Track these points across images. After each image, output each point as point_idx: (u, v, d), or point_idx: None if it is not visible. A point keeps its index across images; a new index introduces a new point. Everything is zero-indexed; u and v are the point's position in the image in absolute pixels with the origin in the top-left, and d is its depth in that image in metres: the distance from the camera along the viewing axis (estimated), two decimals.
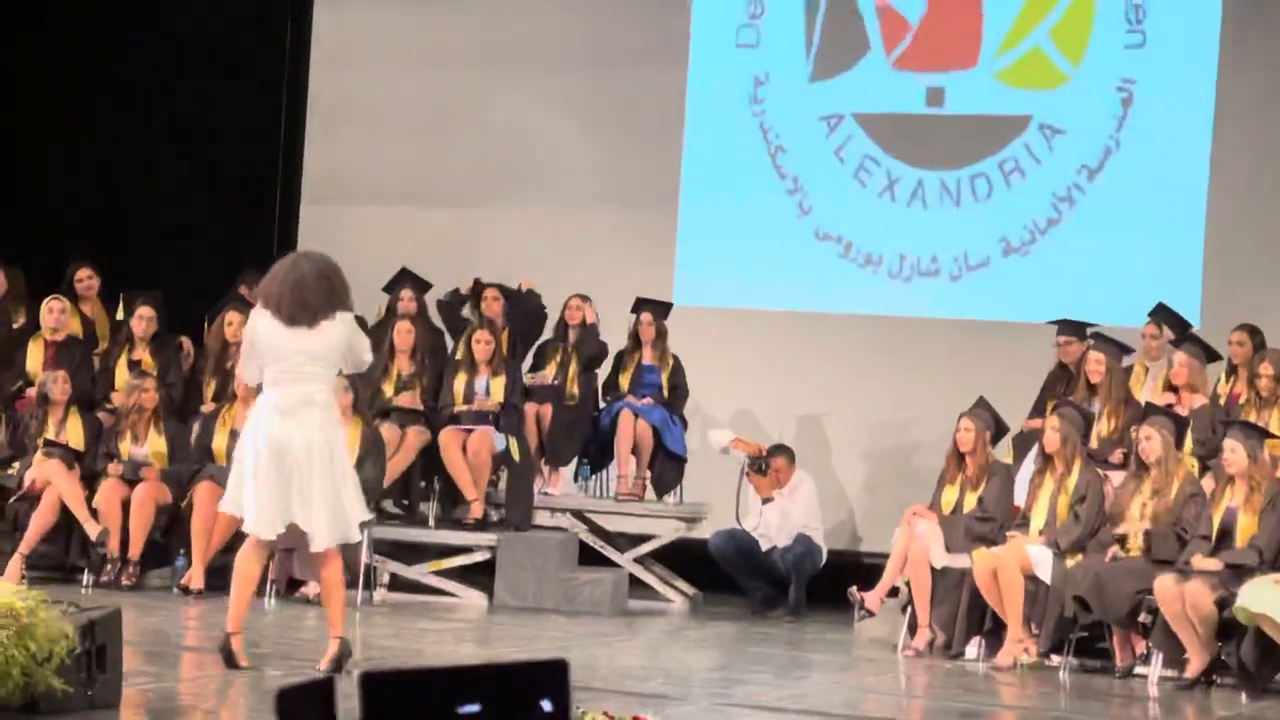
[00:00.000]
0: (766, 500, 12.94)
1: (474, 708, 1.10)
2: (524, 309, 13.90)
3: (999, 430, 11.91)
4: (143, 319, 13.47)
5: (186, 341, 13.87)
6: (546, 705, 1.12)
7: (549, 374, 13.57)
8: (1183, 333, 12.50)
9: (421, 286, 14.00)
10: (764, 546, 12.94)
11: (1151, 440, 10.81)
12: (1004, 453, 12.17)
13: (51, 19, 15.88)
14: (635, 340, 13.69)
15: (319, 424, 8.59)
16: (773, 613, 12.89)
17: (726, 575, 13.11)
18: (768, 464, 12.99)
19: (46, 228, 15.05)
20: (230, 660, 8.83)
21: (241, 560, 8.88)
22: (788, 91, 14.60)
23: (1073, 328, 12.72)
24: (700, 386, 13.77)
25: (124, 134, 15.56)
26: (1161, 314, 12.64)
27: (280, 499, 8.63)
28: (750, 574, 13.01)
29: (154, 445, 12.70)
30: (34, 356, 13.46)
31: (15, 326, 13.92)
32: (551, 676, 1.14)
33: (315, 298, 8.51)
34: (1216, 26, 13.67)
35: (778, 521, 12.91)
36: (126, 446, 12.70)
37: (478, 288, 13.83)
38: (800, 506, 12.97)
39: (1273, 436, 10.95)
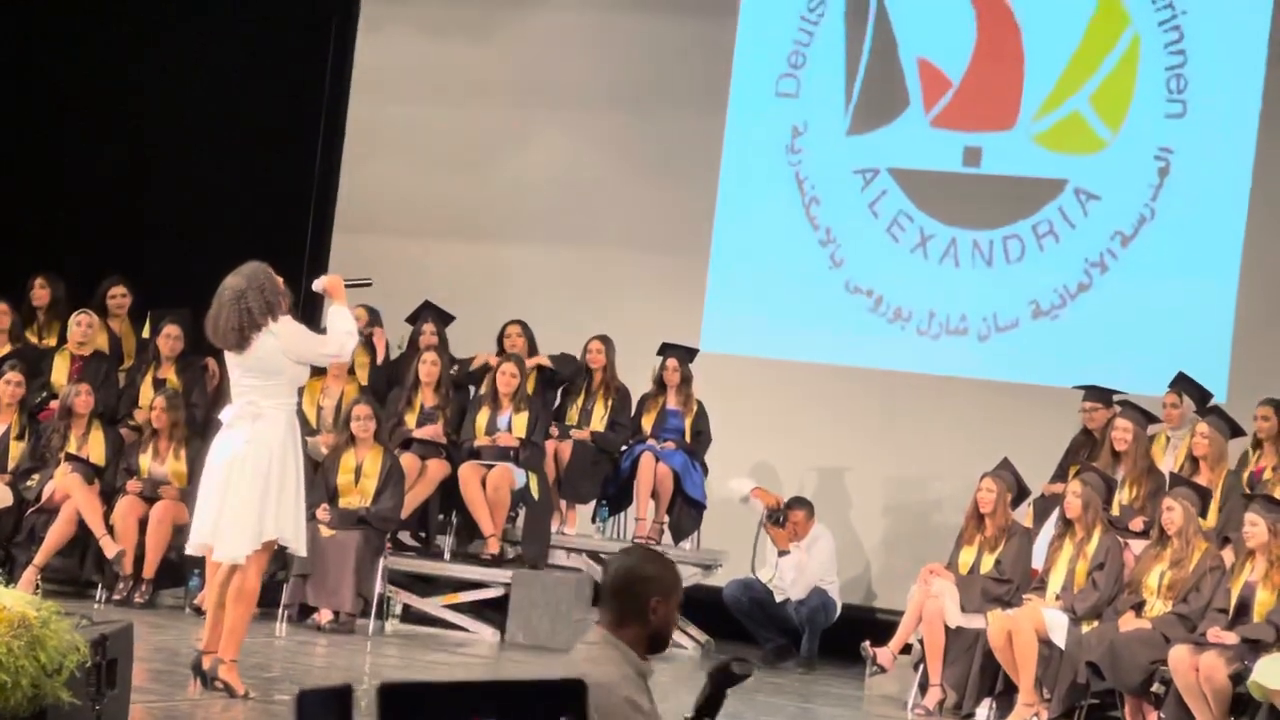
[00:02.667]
0: (783, 553, 12.91)
1: None
2: (568, 373, 13.88)
3: (1020, 493, 11.87)
4: (169, 338, 13.49)
5: (212, 362, 13.89)
6: None
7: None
8: (1203, 403, 12.46)
9: (444, 320, 14.01)
10: (778, 598, 12.90)
11: (1173, 511, 10.77)
12: (1024, 516, 12.12)
13: (90, 47, 15.93)
14: (660, 384, 13.67)
15: (248, 437, 8.71)
16: (784, 663, 12.84)
17: (739, 623, 13.06)
18: (785, 516, 12.96)
19: (79, 245, 15.10)
20: (202, 679, 8.90)
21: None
22: (825, 143, 14.61)
23: (1099, 394, 12.69)
24: (722, 434, 13.74)
25: (160, 155, 15.61)
26: (1182, 384, 12.61)
27: (203, 514, 8.83)
28: (763, 624, 12.97)
29: (174, 464, 12.70)
30: (59, 369, 13.49)
31: (44, 340, 13.96)
32: (570, 696, 1.13)
33: (229, 326, 8.72)
34: (1258, 101, 13.66)
35: (793, 575, 12.87)
36: (147, 464, 12.71)
37: (484, 368, 13.75)
38: (817, 561, 12.93)
39: None
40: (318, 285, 9.19)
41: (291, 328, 8.82)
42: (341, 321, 8.95)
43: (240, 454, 8.71)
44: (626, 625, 4.29)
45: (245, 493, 8.69)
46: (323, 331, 9.16)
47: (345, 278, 9.54)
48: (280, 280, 8.97)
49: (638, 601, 4.29)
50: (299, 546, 9.07)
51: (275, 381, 8.75)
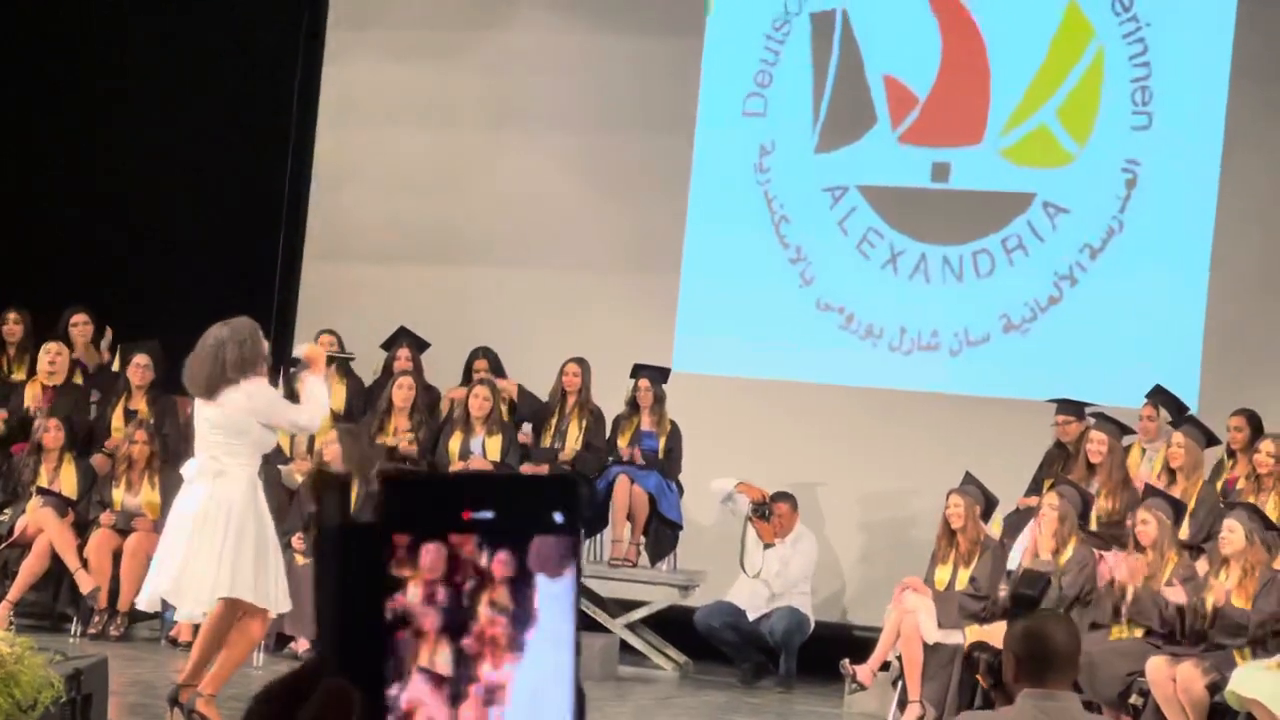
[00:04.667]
0: (768, 546, 12.92)
1: (487, 514, 1.11)
2: (525, 413, 13.92)
3: (989, 505, 11.89)
4: (139, 367, 13.46)
5: (183, 399, 13.88)
6: (559, 518, 1.14)
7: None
8: (1179, 415, 12.49)
9: (419, 345, 14.02)
10: (751, 616, 12.88)
11: (1148, 524, 10.79)
12: (993, 528, 12.14)
13: (56, 81, 15.91)
14: (634, 405, 13.67)
15: (210, 493, 8.71)
16: (762, 682, 12.83)
17: (716, 645, 13.06)
18: (771, 509, 12.98)
19: (44, 277, 15.05)
20: (180, 711, 8.90)
21: None
22: (793, 161, 14.63)
23: (1072, 407, 12.71)
24: (696, 453, 13.74)
25: (128, 186, 15.58)
26: (1159, 396, 12.63)
27: (161, 568, 8.87)
28: (739, 647, 12.96)
29: (147, 496, 12.68)
30: (30, 400, 13.45)
31: (14, 373, 13.93)
32: (564, 490, 1.15)
33: (205, 369, 8.72)
34: (1222, 111, 13.71)
35: (777, 568, 12.88)
36: (120, 496, 12.67)
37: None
38: (800, 559, 12.97)
39: (1274, 527, 10.90)
40: (299, 352, 9.24)
41: (264, 390, 8.81)
42: (317, 393, 8.95)
43: (201, 512, 8.70)
44: None
45: (206, 551, 8.67)
46: (292, 397, 9.21)
47: (328, 351, 9.58)
48: (265, 343, 8.97)
49: None
50: (268, 603, 8.96)
51: (240, 441, 8.73)
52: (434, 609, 1.11)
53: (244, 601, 8.79)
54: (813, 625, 12.98)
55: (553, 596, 1.13)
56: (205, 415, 8.78)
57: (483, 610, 1.11)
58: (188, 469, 8.94)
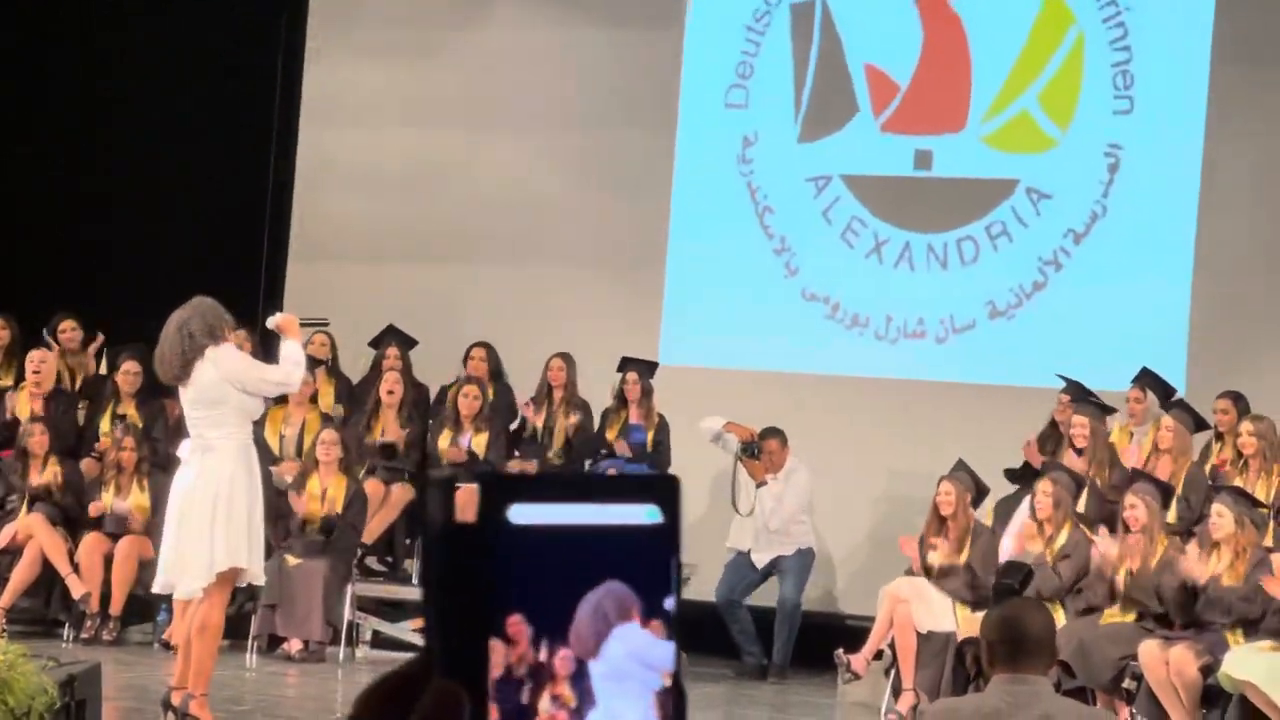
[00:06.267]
0: (760, 484, 12.90)
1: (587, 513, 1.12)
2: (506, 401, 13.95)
3: (979, 492, 11.90)
4: (128, 373, 13.44)
5: (170, 402, 13.86)
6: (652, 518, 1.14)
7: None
8: (1167, 398, 12.50)
9: (407, 343, 14.03)
10: (758, 564, 12.82)
11: (1136, 508, 10.81)
12: (984, 516, 12.15)
13: (35, 67, 15.88)
14: (621, 399, 13.68)
15: (199, 470, 8.76)
16: (762, 681, 12.80)
17: (712, 638, 13.04)
18: (760, 448, 12.96)
19: (29, 281, 15.02)
20: (173, 714, 8.92)
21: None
22: (776, 152, 14.63)
23: (1077, 390, 12.62)
24: (685, 445, 13.74)
25: (111, 189, 15.56)
26: (1147, 379, 12.65)
27: (164, 551, 8.92)
28: (751, 637, 12.87)
29: (137, 499, 12.67)
30: (21, 407, 13.43)
31: (1, 380, 13.90)
32: (664, 486, 1.15)
33: (173, 353, 8.79)
34: (1204, 93, 13.73)
35: (772, 505, 12.87)
36: (109, 500, 12.67)
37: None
38: (794, 493, 12.94)
39: (1261, 505, 10.94)
40: (271, 323, 9.22)
41: (232, 354, 8.83)
42: (292, 352, 8.95)
43: (190, 488, 8.74)
44: None
45: (196, 527, 8.69)
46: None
47: (301, 317, 9.57)
48: (226, 313, 8.97)
49: None
50: (257, 577, 9.03)
51: (219, 411, 8.73)
52: (494, 703, 1.10)
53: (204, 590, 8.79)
54: (815, 556, 12.95)
55: (616, 667, 1.12)
56: (186, 399, 8.86)
57: (543, 706, 1.11)
58: (183, 449, 8.98)
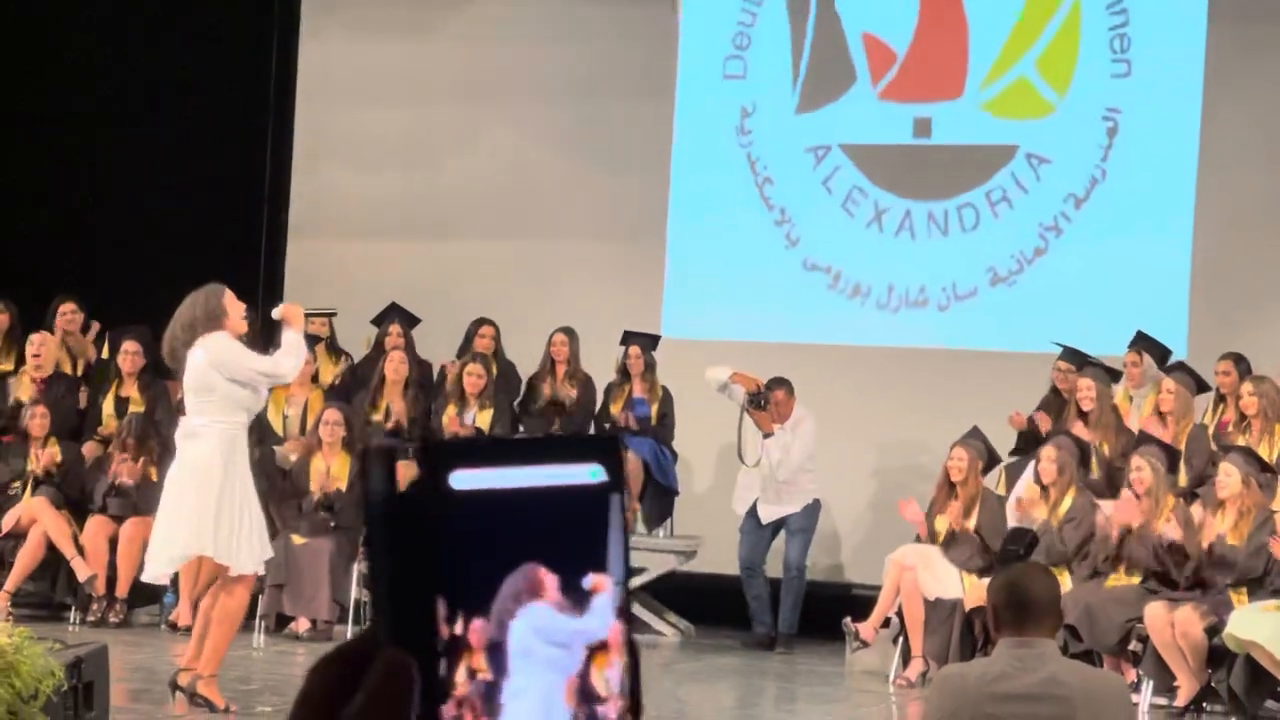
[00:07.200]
0: (767, 435, 12.88)
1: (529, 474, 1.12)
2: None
3: (991, 460, 11.90)
4: (129, 354, 13.44)
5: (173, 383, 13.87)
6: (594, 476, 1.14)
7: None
8: (1163, 360, 12.50)
9: (410, 321, 14.03)
10: (764, 519, 12.82)
11: (1142, 470, 10.81)
12: (993, 484, 12.16)
13: (35, 54, 15.87)
14: (624, 373, 13.69)
15: (179, 456, 8.85)
16: (769, 651, 12.80)
17: (719, 611, 13.04)
18: (767, 398, 12.93)
19: (28, 265, 15.03)
20: (184, 695, 8.95)
21: None
22: (775, 122, 14.61)
23: (1075, 356, 12.64)
24: (688, 418, 13.75)
25: (108, 171, 15.55)
26: (1142, 342, 12.64)
27: (155, 534, 8.97)
28: (766, 605, 12.87)
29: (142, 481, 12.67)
30: (23, 391, 13.43)
31: (1, 365, 13.91)
32: (606, 446, 1.15)
33: (170, 335, 8.87)
34: (1201, 55, 13.69)
35: (779, 456, 12.83)
36: (114, 481, 12.67)
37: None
38: (801, 442, 12.91)
39: (1269, 469, 10.93)
40: (276, 313, 9.18)
41: (223, 343, 8.76)
42: (292, 342, 8.92)
43: (173, 474, 8.80)
44: None
45: (173, 511, 8.71)
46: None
47: (307, 307, 9.55)
48: (231, 303, 8.90)
49: None
50: (232, 560, 8.90)
51: (207, 398, 8.72)
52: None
53: (223, 571, 8.79)
54: (820, 512, 12.96)
55: (532, 632, 1.12)
56: (185, 385, 8.91)
57: (459, 678, 1.11)
58: (178, 434, 9.07)
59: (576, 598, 1.14)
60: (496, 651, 1.11)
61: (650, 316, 14.35)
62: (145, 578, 9.03)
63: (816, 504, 12.98)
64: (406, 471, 1.13)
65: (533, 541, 1.12)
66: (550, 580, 1.13)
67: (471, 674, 1.10)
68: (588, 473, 1.14)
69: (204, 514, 8.67)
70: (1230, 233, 13.54)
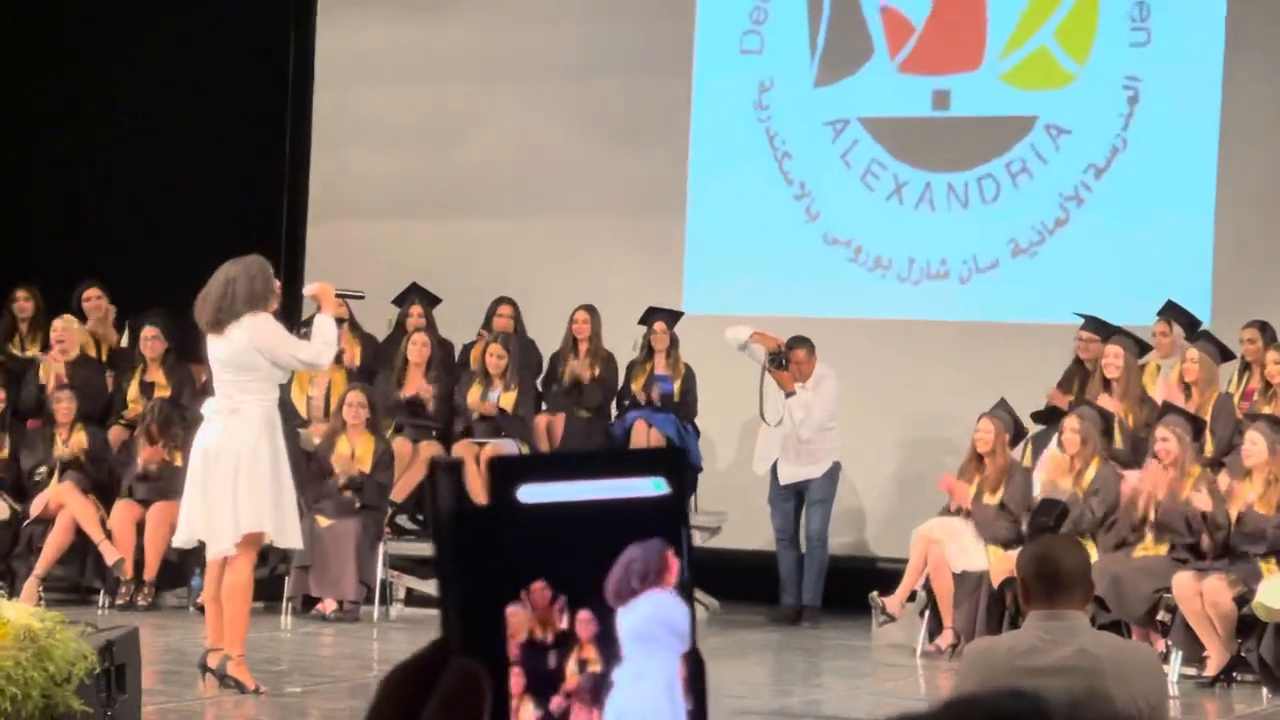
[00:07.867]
0: (789, 394, 12.87)
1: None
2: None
3: (1018, 432, 11.88)
4: (149, 339, 13.46)
5: (196, 367, 13.88)
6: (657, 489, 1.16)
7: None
8: (1192, 330, 12.47)
9: (431, 301, 14.03)
10: (783, 481, 12.81)
11: (1168, 441, 10.79)
12: (1018, 455, 12.14)
13: (53, 37, 15.88)
14: (648, 350, 13.68)
15: (224, 430, 8.80)
16: (795, 626, 12.80)
17: (745, 587, 13.03)
18: (788, 358, 12.91)
19: (50, 251, 15.05)
20: (214, 677, 8.97)
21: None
22: (793, 97, 14.58)
23: (1098, 326, 12.61)
24: (710, 394, 13.74)
25: (126, 156, 15.55)
26: (1171, 312, 12.61)
27: (190, 507, 8.93)
28: (795, 578, 12.87)
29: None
30: (46, 377, 13.46)
31: (27, 350, 13.93)
32: (671, 459, 1.17)
33: (215, 304, 8.80)
34: (1221, 22, 13.64)
35: (801, 415, 12.82)
36: (141, 465, 12.70)
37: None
38: (823, 400, 12.90)
39: None
40: (308, 291, 9.24)
41: (268, 325, 8.84)
42: (326, 331, 8.97)
43: (215, 448, 8.79)
44: None
45: (221, 487, 8.74)
46: (304, 337, 9.23)
47: (337, 288, 9.59)
48: (276, 282, 9.01)
49: None
50: (283, 539, 9.06)
51: (250, 376, 8.78)
52: (520, 669, 1.11)
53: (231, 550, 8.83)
54: (840, 474, 12.95)
55: (644, 618, 1.14)
56: (215, 354, 8.87)
57: (570, 669, 1.12)
58: (207, 407, 9.01)
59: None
60: (605, 640, 1.12)
61: (671, 293, 14.34)
62: (210, 556, 8.99)
63: (836, 467, 12.96)
64: (475, 485, 1.15)
65: (600, 553, 1.13)
66: (675, 565, 1.15)
67: (582, 665, 1.11)
68: (651, 485, 1.16)
69: (259, 490, 8.75)
70: (1254, 199, 13.49)
